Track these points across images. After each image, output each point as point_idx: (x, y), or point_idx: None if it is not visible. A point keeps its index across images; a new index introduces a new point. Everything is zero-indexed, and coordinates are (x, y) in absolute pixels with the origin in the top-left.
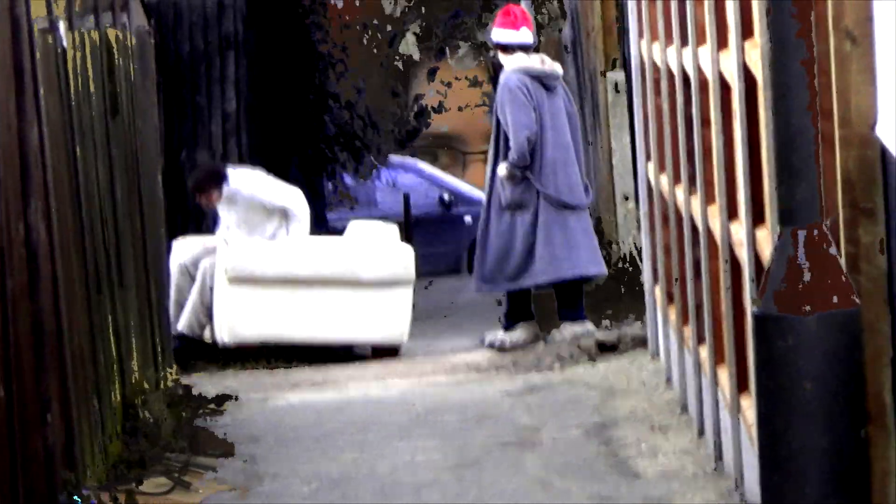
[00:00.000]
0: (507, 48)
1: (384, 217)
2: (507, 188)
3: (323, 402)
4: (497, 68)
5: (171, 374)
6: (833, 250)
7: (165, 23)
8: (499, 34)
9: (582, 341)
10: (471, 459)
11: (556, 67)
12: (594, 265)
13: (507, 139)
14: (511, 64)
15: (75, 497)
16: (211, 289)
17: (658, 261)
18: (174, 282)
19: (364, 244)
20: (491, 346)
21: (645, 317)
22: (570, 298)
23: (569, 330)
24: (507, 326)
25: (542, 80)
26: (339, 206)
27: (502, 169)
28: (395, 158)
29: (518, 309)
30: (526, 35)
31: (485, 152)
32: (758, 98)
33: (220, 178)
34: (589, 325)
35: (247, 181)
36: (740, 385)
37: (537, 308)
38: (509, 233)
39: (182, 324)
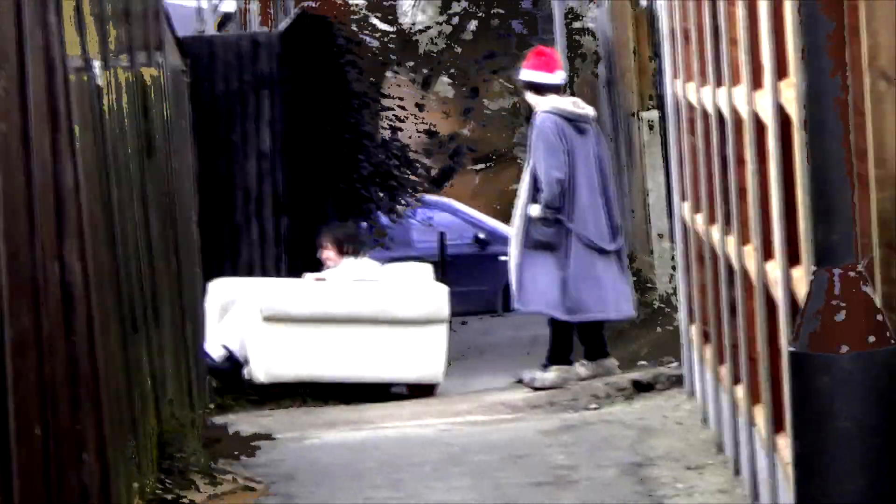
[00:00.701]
0: (541, 89)
1: (419, 256)
2: (538, 228)
3: (358, 441)
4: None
5: (206, 412)
6: (868, 289)
7: (200, 62)
8: (532, 75)
9: (617, 381)
10: (506, 499)
11: (589, 110)
12: (616, 309)
13: (537, 180)
14: (544, 105)
15: None
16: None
17: (694, 300)
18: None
19: (399, 283)
20: (526, 382)
21: (681, 356)
22: (592, 337)
23: (591, 366)
24: (546, 365)
25: (576, 123)
26: (375, 245)
27: (535, 210)
28: (430, 198)
29: (559, 349)
30: (560, 77)
31: None
32: (793, 137)
33: (339, 245)
34: (609, 362)
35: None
36: (776, 424)
37: None
38: (541, 268)
39: (229, 340)
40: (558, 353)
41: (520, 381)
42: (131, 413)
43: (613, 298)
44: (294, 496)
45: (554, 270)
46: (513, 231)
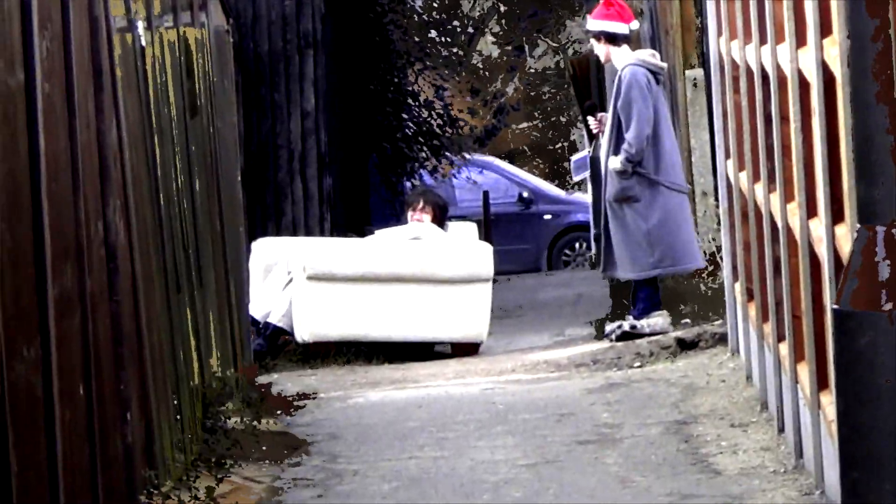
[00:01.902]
0: (616, 40)
1: (464, 216)
2: (617, 181)
3: (403, 400)
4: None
5: (250, 371)
6: None
7: (244, 21)
8: (607, 25)
9: (661, 339)
10: (550, 457)
11: (663, 63)
12: (700, 256)
13: (620, 132)
14: (626, 57)
15: None
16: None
17: (738, 258)
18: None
19: (443, 242)
20: (622, 335)
21: (725, 314)
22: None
23: (659, 319)
24: (641, 314)
25: (656, 75)
26: None
27: (615, 162)
28: (474, 156)
29: (653, 295)
30: (634, 26)
31: None
32: (836, 95)
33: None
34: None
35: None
36: (820, 382)
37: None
38: (626, 224)
39: (275, 316)
40: (653, 299)
41: (604, 337)
42: (175, 372)
43: (696, 245)
44: (338, 455)
45: (639, 223)
46: (604, 187)
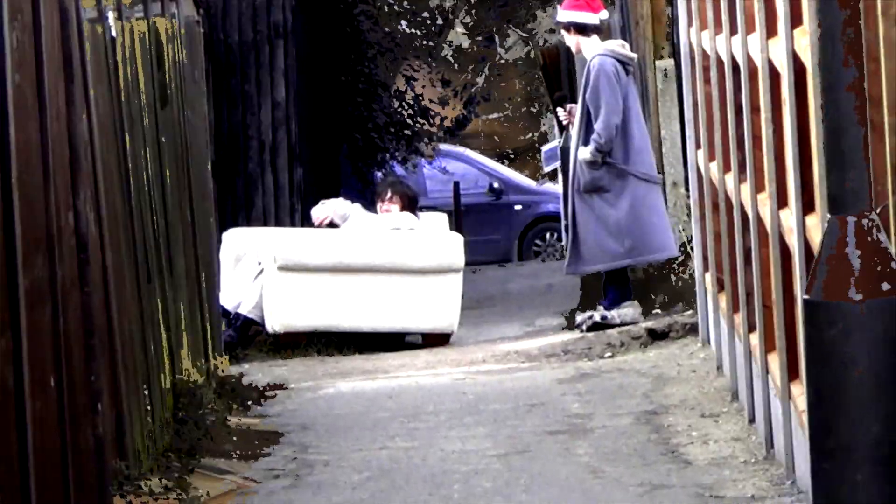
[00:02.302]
0: (585, 30)
1: (434, 206)
2: (587, 172)
3: (373, 390)
4: (550, 57)
5: (221, 362)
6: (883, 237)
7: (215, 12)
8: (576, 16)
9: (632, 329)
10: (521, 447)
11: (633, 53)
12: (673, 245)
13: (590, 123)
14: (595, 47)
15: None
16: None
17: (708, 248)
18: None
19: (414, 232)
20: (593, 325)
21: (695, 304)
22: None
23: (629, 309)
24: (611, 305)
25: (625, 66)
26: None
27: (584, 152)
28: (444, 147)
29: (623, 285)
30: (604, 16)
31: None
32: (807, 85)
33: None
34: (631, 309)
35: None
36: (791, 372)
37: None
38: (595, 215)
39: (245, 307)
40: (623, 289)
41: (574, 327)
42: (146, 364)
43: (670, 234)
44: (309, 446)
45: (609, 213)
46: (570, 176)
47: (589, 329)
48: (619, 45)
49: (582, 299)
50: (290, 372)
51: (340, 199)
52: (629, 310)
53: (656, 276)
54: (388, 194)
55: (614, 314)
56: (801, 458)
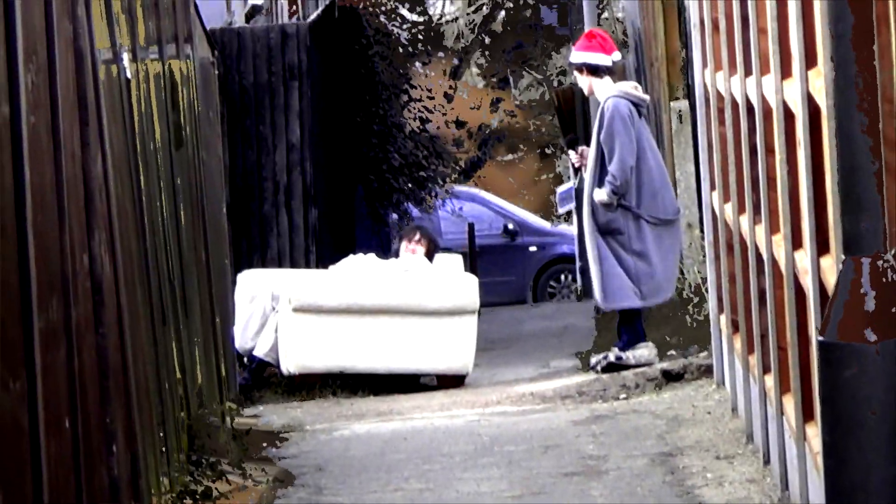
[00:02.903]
0: (598, 71)
1: (449, 248)
2: (602, 214)
3: (388, 432)
4: (565, 98)
5: (236, 404)
6: None
7: (229, 53)
8: (590, 57)
9: (647, 370)
10: (536, 489)
11: (646, 95)
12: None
13: (604, 164)
14: (609, 89)
15: None
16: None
17: (723, 289)
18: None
19: (428, 274)
20: (607, 366)
21: (710, 346)
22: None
23: (644, 350)
24: (626, 346)
25: (639, 107)
26: None
27: (601, 194)
28: (459, 188)
29: (637, 327)
30: (617, 58)
31: None
32: (822, 126)
33: (432, 249)
34: (646, 351)
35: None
36: (806, 414)
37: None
38: (615, 254)
39: (261, 349)
40: (637, 331)
41: (589, 369)
42: (160, 405)
43: (674, 276)
44: (323, 488)
45: (624, 256)
46: (585, 218)
47: (604, 370)
48: (631, 87)
49: (596, 341)
50: (304, 413)
51: (360, 255)
52: (644, 351)
53: (671, 317)
54: (417, 236)
55: (629, 355)
56: (817, 499)
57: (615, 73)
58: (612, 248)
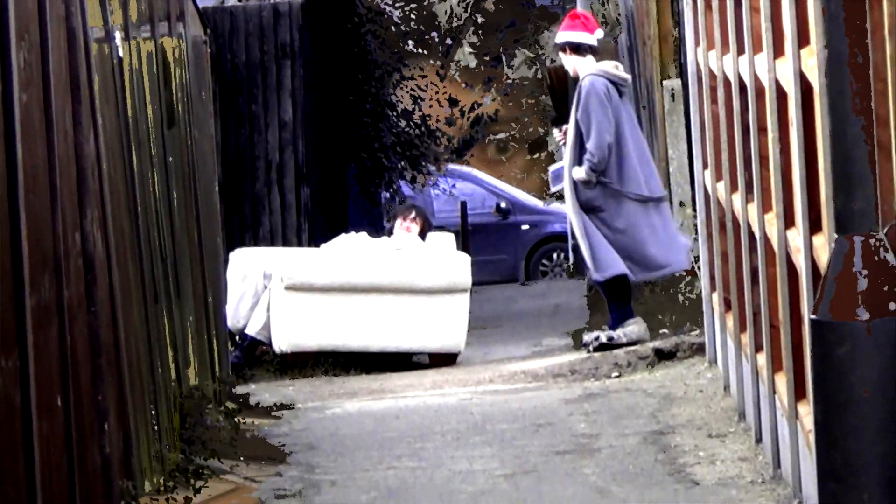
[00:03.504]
0: (580, 50)
1: (442, 226)
2: (582, 191)
3: (380, 410)
4: (557, 77)
5: (228, 382)
6: (890, 257)
7: (221, 32)
8: (573, 36)
9: (639, 349)
10: (528, 467)
11: (627, 75)
12: (681, 259)
13: (582, 143)
14: (588, 67)
15: None
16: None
17: (715, 268)
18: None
19: (421, 252)
20: (599, 347)
21: (702, 324)
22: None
23: (635, 326)
24: (615, 324)
25: (618, 86)
26: None
27: (579, 172)
28: (452, 167)
29: (626, 304)
30: (600, 36)
31: None
32: (814, 105)
33: (426, 228)
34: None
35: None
36: (798, 392)
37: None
38: (592, 231)
39: (253, 328)
40: (627, 308)
41: (581, 346)
42: (153, 383)
43: (674, 250)
44: (315, 466)
45: (608, 234)
46: (566, 195)
47: (596, 350)
48: (612, 66)
49: (589, 319)
50: (296, 392)
51: (352, 234)
52: (634, 327)
53: (664, 295)
54: (413, 214)
55: (620, 333)
56: (808, 478)
57: (598, 52)
58: (597, 224)
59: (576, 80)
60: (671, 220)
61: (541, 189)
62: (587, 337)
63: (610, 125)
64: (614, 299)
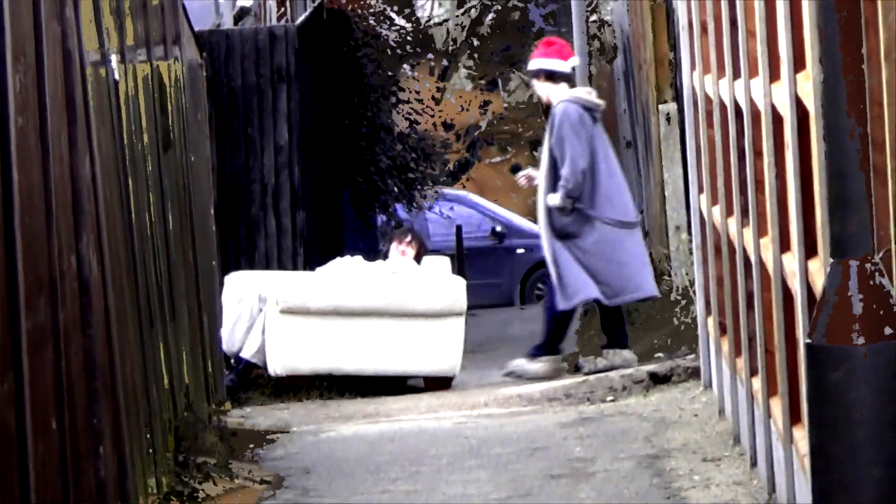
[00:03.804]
0: (554, 77)
1: (437, 250)
2: (557, 218)
3: (375, 434)
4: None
5: (223, 406)
6: (885, 282)
7: (218, 55)
8: (547, 63)
9: (634, 373)
10: (523, 491)
11: (601, 101)
12: (650, 287)
13: (556, 169)
14: (562, 94)
15: None
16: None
17: (711, 292)
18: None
19: (416, 276)
20: (511, 371)
21: (698, 348)
22: (616, 325)
23: (612, 357)
24: (535, 355)
25: (592, 112)
26: None
27: (555, 198)
28: (447, 191)
29: (554, 339)
30: (574, 64)
31: None
32: (810, 129)
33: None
34: (628, 354)
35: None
36: (793, 416)
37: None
38: (574, 256)
39: (248, 351)
40: (551, 343)
41: (509, 374)
42: (148, 407)
43: (646, 275)
44: (310, 490)
45: (582, 259)
46: (539, 222)
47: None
48: (585, 93)
49: (583, 343)
50: (291, 415)
51: (347, 257)
52: (543, 366)
53: (659, 319)
54: (408, 238)
55: (529, 368)
56: (804, 501)
57: (572, 79)
58: (571, 252)
59: (548, 107)
60: (643, 246)
61: (532, 212)
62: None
63: (584, 151)
64: (550, 331)
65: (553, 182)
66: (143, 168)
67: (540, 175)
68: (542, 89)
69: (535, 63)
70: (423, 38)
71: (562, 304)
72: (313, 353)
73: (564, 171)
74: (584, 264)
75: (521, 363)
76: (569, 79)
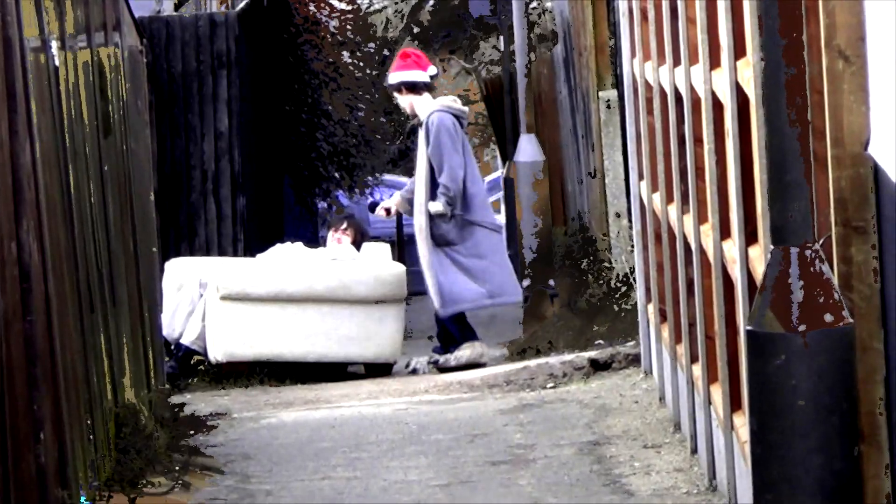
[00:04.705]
0: (416, 88)
1: (377, 236)
2: (437, 225)
3: (316, 421)
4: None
5: (163, 392)
6: (826, 268)
7: (158, 42)
8: (407, 75)
9: (575, 359)
10: (463, 477)
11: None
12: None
13: (434, 178)
14: (427, 104)
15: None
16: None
17: (651, 279)
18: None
19: (356, 262)
20: (439, 367)
21: (638, 335)
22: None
23: (467, 350)
24: (452, 347)
25: (459, 119)
26: None
27: (436, 206)
28: (388, 177)
29: (464, 328)
30: (433, 73)
31: None
32: (750, 117)
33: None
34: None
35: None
36: (733, 403)
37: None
38: (452, 261)
39: (188, 337)
40: (465, 332)
41: (435, 364)
42: (88, 393)
43: (515, 280)
44: (251, 476)
45: (464, 262)
46: (417, 230)
47: (426, 373)
48: (451, 101)
49: (524, 329)
50: (232, 402)
51: (288, 244)
52: (467, 351)
53: (599, 306)
54: (344, 225)
55: (452, 357)
56: (744, 489)
57: (433, 88)
58: (451, 257)
59: (413, 117)
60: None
61: None
62: (414, 362)
63: (460, 158)
64: (453, 323)
65: (432, 190)
66: (84, 155)
67: (417, 184)
68: (406, 101)
69: (394, 77)
70: (364, 25)
71: (442, 312)
72: (254, 339)
73: (443, 178)
74: (465, 268)
75: (447, 357)
76: (430, 88)
